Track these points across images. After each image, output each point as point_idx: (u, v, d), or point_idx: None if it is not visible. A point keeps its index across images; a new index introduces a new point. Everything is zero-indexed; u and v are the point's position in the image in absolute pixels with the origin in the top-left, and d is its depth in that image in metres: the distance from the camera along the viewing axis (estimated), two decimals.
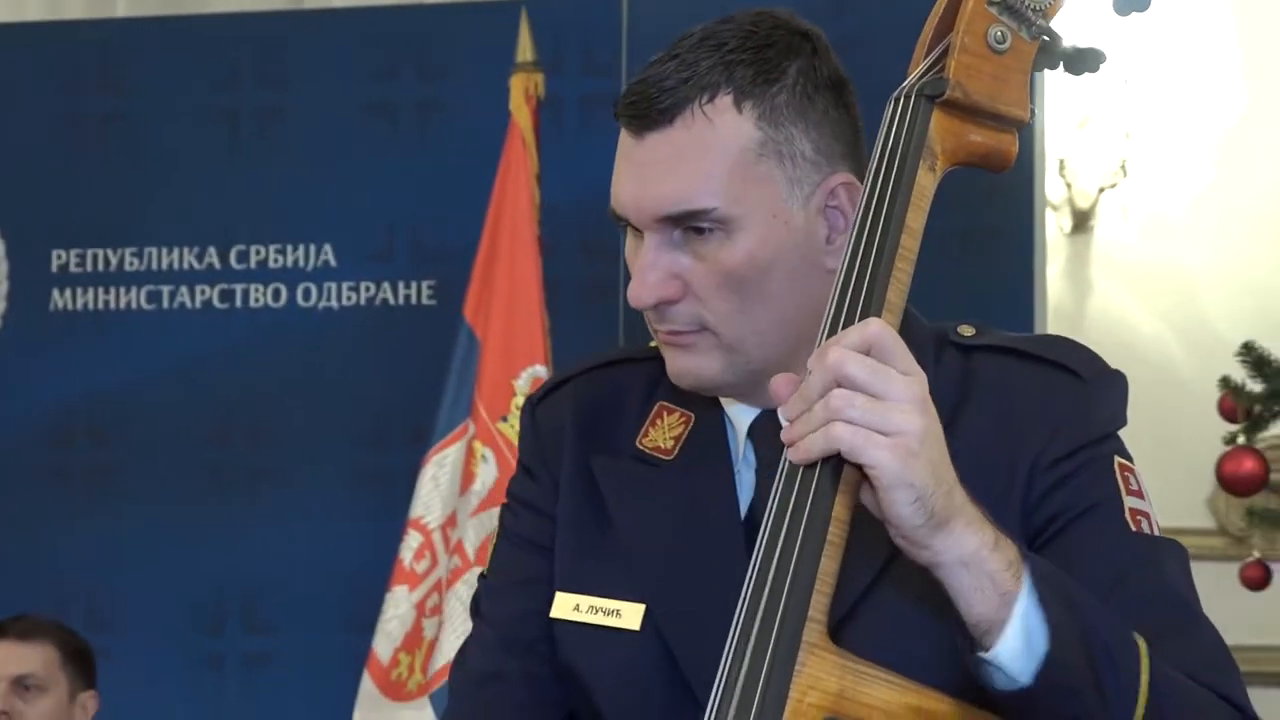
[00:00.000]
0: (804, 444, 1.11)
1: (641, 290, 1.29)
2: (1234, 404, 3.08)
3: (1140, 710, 1.17)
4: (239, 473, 3.58)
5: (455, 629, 2.96)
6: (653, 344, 1.43)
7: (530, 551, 1.43)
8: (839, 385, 1.09)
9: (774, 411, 1.21)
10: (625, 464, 1.41)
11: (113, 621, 3.48)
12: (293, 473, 3.55)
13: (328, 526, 3.48)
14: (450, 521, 3.08)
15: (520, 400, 2.90)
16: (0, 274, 3.63)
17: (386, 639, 3.11)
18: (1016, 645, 1.13)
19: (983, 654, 1.13)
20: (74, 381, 3.61)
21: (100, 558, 3.54)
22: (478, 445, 3.00)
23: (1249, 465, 2.98)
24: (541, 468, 1.44)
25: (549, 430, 1.45)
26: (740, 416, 1.38)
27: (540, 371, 3.02)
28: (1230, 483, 3.05)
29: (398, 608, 3.11)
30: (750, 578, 1.15)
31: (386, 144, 3.58)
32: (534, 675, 1.40)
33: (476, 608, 1.46)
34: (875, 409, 1.09)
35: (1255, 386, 3.06)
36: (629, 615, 1.38)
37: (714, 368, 1.32)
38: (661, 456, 1.40)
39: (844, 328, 1.17)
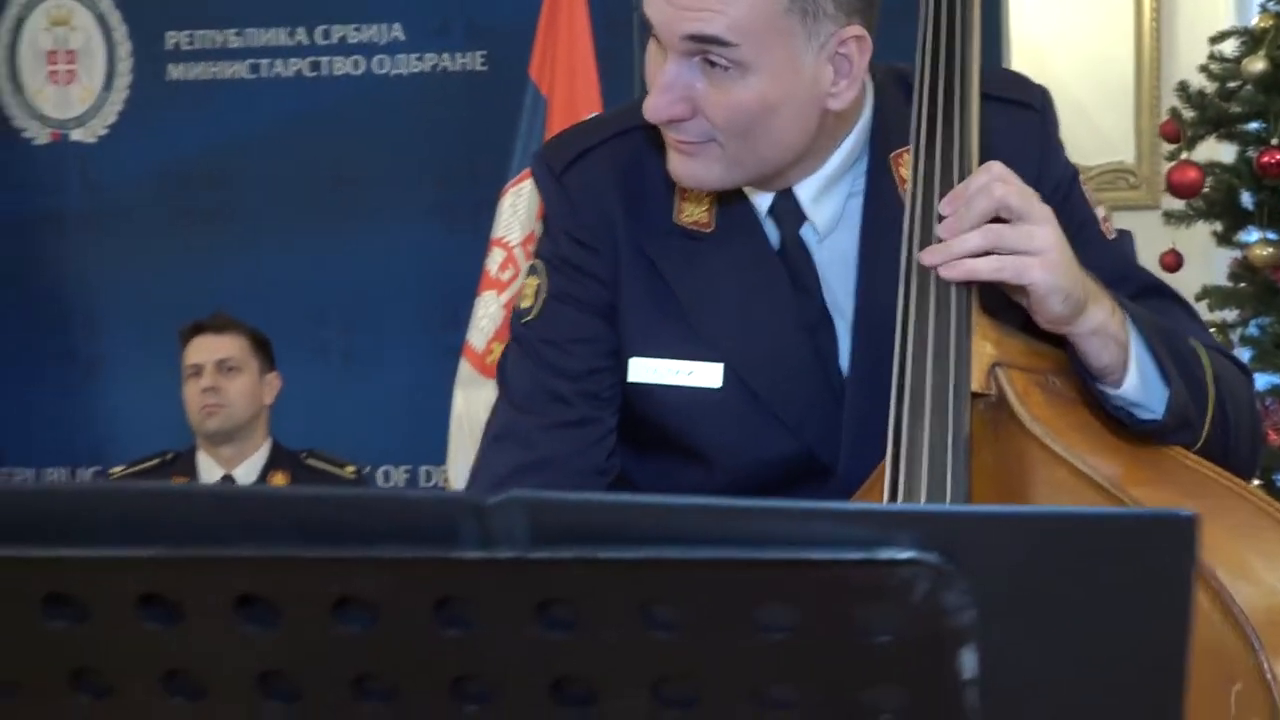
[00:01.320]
0: (965, 266, 1.26)
1: (657, 106, 1.33)
2: (1176, 128, 3.54)
3: (1211, 397, 1.34)
4: (331, 209, 3.98)
5: None
6: None
7: (587, 313, 1.46)
8: (996, 213, 1.24)
9: (788, 193, 1.40)
10: (673, 239, 1.45)
11: None
12: (376, 209, 3.95)
13: (419, 251, 3.94)
14: (528, 240, 3.49)
15: None
16: (125, 53, 4.02)
17: (479, 333, 3.55)
18: (1135, 380, 1.29)
19: (1114, 391, 1.29)
20: (191, 139, 4.03)
21: (217, 280, 3.93)
22: None
23: (1191, 174, 3.44)
24: (594, 238, 1.45)
25: (591, 201, 1.46)
26: (755, 197, 1.43)
27: None
28: (1178, 188, 3.48)
29: (488, 308, 3.55)
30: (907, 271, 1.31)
31: None
32: (591, 418, 1.46)
33: (532, 351, 1.49)
34: (1024, 234, 1.25)
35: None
36: (708, 374, 1.44)
37: (714, 174, 1.38)
38: (702, 230, 1.44)
39: (940, 153, 1.31)
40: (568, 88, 3.56)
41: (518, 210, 3.62)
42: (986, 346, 1.31)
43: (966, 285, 1.28)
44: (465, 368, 3.65)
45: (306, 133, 4.04)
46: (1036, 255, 1.23)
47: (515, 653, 0.69)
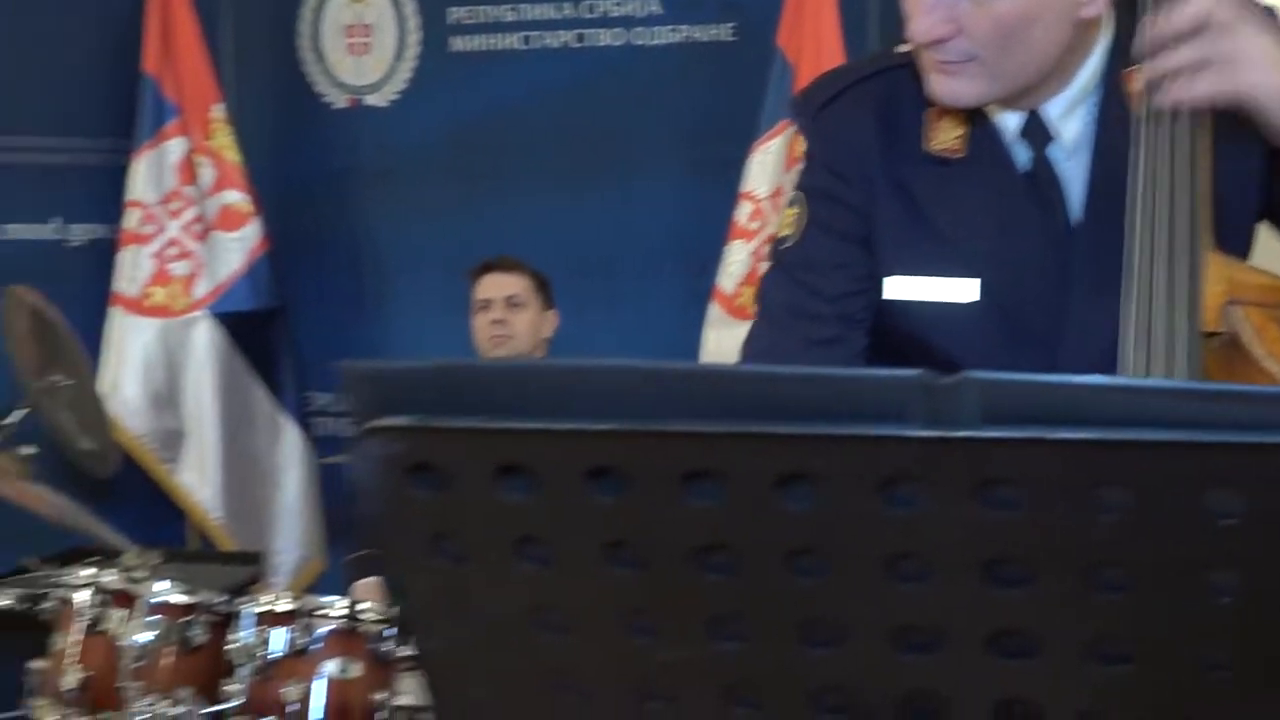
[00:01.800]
0: (1178, 89, 1.22)
1: (924, 27, 1.31)
2: None
3: None
4: (594, 168, 3.99)
5: None
6: (898, 49, 1.49)
7: (844, 240, 1.45)
8: (1204, 28, 1.19)
9: (1034, 114, 1.38)
10: (927, 166, 1.42)
11: None
12: (634, 168, 3.96)
13: (673, 206, 3.94)
14: (776, 193, 3.50)
15: None
16: (414, 27, 4.10)
17: (729, 278, 3.59)
18: None
19: None
20: (470, 104, 4.08)
21: (491, 231, 3.95)
22: (799, 138, 3.44)
23: None
24: (852, 170, 1.44)
25: (848, 137, 1.45)
26: (1003, 119, 1.41)
27: None
28: None
29: (736, 255, 3.59)
30: (1140, 203, 1.26)
31: None
32: (843, 337, 1.45)
33: (791, 275, 1.48)
34: (1233, 41, 1.19)
35: None
36: (965, 289, 1.41)
37: (974, 92, 1.36)
38: (954, 155, 1.41)
39: None
40: (814, 55, 3.52)
41: (766, 166, 3.63)
42: (1219, 285, 1.25)
43: (1190, 171, 1.23)
44: (716, 310, 3.69)
45: (573, 98, 4.07)
46: (1250, 60, 1.18)
47: (954, 532, 0.65)
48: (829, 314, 1.46)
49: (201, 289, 3.93)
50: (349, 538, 3.75)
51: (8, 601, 3.04)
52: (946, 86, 1.35)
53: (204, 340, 3.92)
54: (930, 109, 1.42)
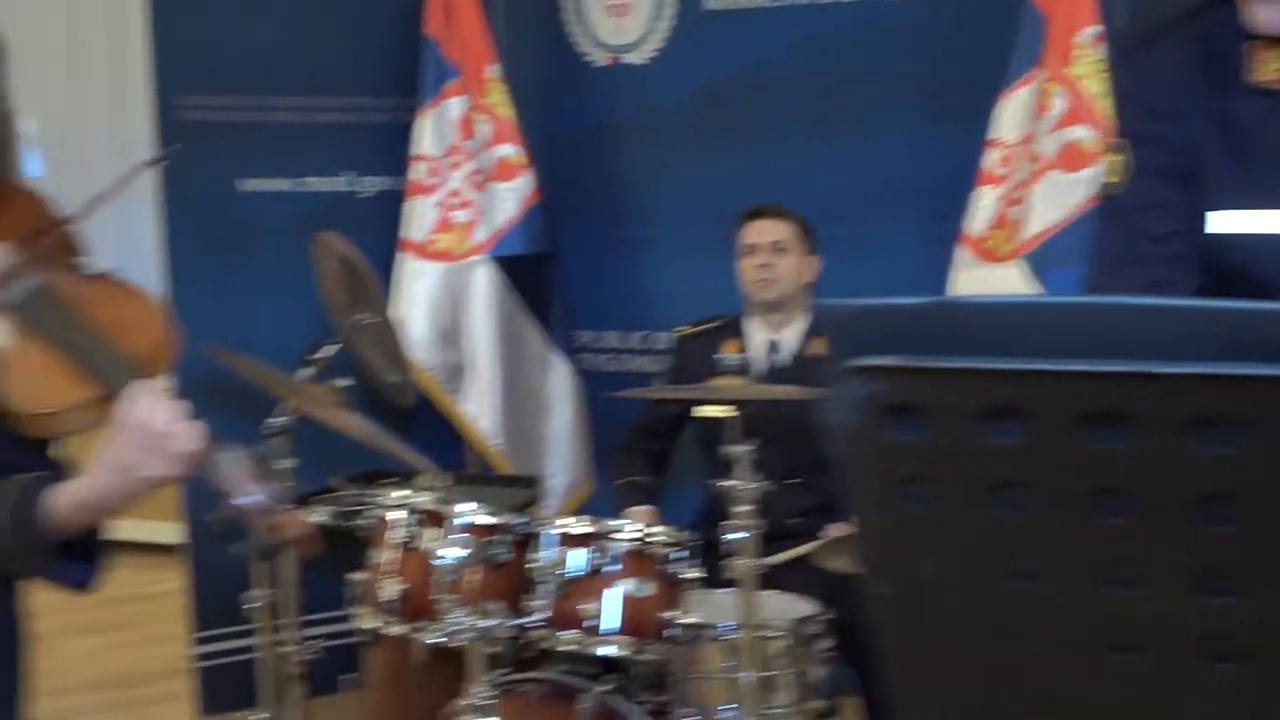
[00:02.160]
0: None
1: None
2: None
3: None
4: (840, 119, 3.88)
5: (1038, 215, 3.31)
6: None
7: (1168, 181, 1.41)
8: None
9: None
10: (1250, 98, 1.37)
11: None
12: (879, 119, 3.83)
13: (919, 154, 3.80)
14: (1026, 139, 3.37)
15: (1085, 53, 3.22)
16: None
17: (978, 221, 3.44)
18: None
19: None
20: (722, 62, 4.00)
21: (744, 180, 3.90)
22: (1050, 85, 3.30)
23: None
24: (1175, 108, 1.40)
25: (1169, 76, 1.41)
26: None
27: (1093, 31, 3.24)
28: None
29: (985, 200, 3.44)
30: None
31: None
32: (1173, 279, 1.39)
33: (1120, 220, 1.44)
34: None
35: None
36: None
37: None
38: (1276, 86, 1.36)
39: None
40: (1066, 6, 3.32)
41: (1015, 115, 3.47)
42: None
43: None
44: (963, 253, 3.55)
45: (819, 53, 3.95)
46: None
47: None
48: (1159, 255, 1.40)
49: (480, 235, 3.96)
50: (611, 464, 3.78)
51: (324, 518, 3.12)
52: (1268, 14, 1.28)
53: (483, 282, 3.96)
54: (1252, 41, 1.35)
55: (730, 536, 2.49)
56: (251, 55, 3.88)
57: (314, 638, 3.07)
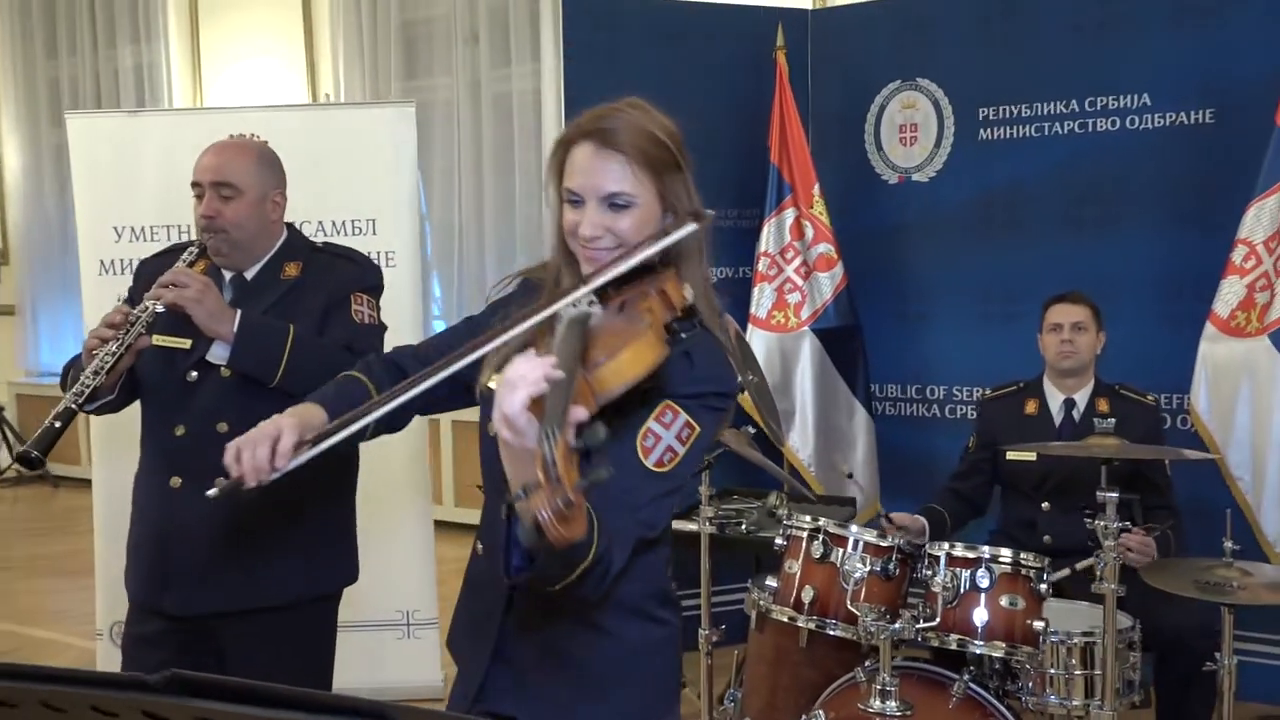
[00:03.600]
0: None
1: None
2: None
3: None
4: (1094, 224, 3.61)
5: None
6: None
7: None
8: None
9: None
10: None
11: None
12: (1131, 224, 3.55)
13: (1170, 251, 3.49)
14: (1271, 238, 3.08)
15: None
16: (950, 124, 3.81)
17: (1224, 305, 3.16)
18: None
19: None
20: (993, 179, 3.77)
21: (1011, 270, 3.73)
22: None
23: None
24: None
25: None
26: None
27: None
28: None
29: (1232, 288, 3.15)
30: None
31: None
32: None
33: None
34: None
35: None
36: None
37: None
38: None
39: None
40: None
41: (1261, 219, 3.17)
42: None
43: None
44: (1210, 329, 3.25)
45: (1075, 171, 3.70)
46: None
47: None
48: None
49: (805, 312, 3.84)
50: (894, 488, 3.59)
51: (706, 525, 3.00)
52: None
53: (807, 348, 3.83)
54: None
55: (1082, 564, 2.27)
56: None
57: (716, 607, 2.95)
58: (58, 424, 1.81)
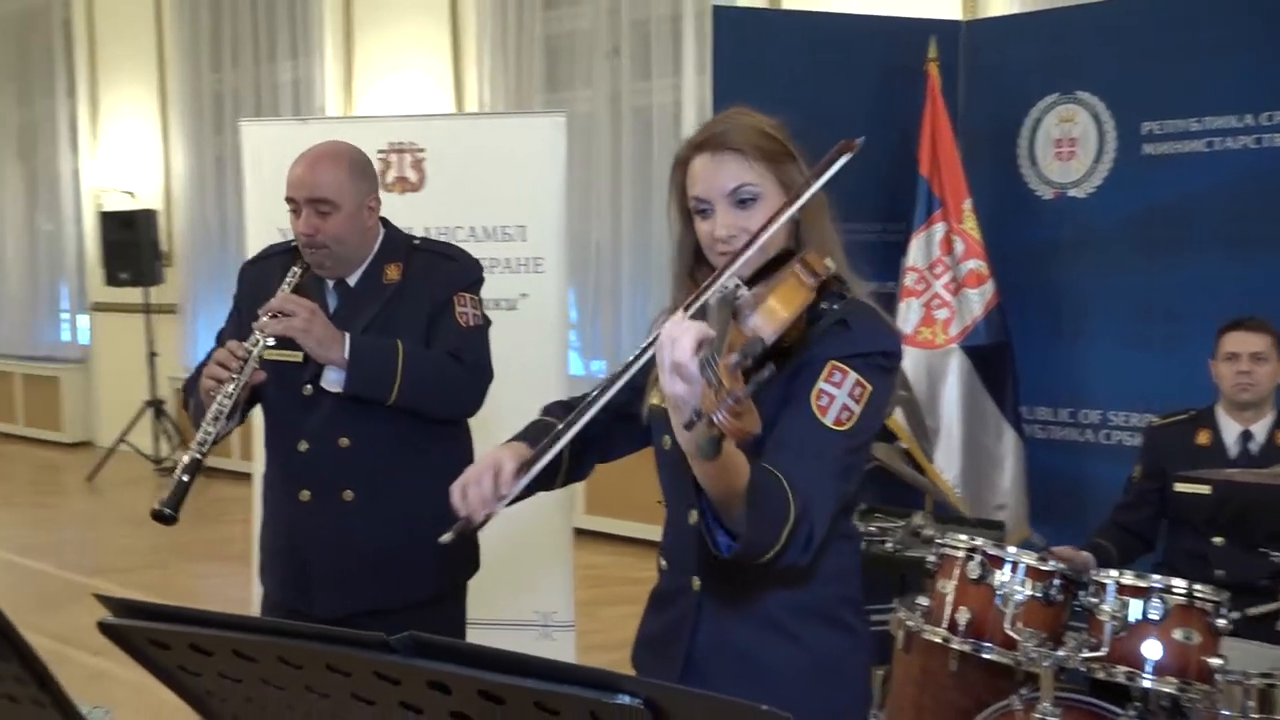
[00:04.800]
0: None
1: None
2: None
3: None
4: (1257, 240, 3.46)
5: None
6: None
7: None
8: None
9: None
10: None
11: None
12: None
13: None
14: None
15: None
16: (1111, 139, 3.67)
17: None
18: None
19: None
20: (1157, 194, 3.62)
21: (1169, 288, 3.58)
22: None
23: None
24: None
25: None
26: None
27: None
28: None
29: None
30: None
31: None
32: None
33: None
34: None
35: None
36: None
37: None
38: None
39: None
40: None
41: None
42: None
43: None
44: None
45: (1247, 187, 3.51)
46: None
47: None
48: None
49: (954, 329, 3.73)
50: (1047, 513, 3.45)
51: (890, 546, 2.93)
52: None
53: (955, 366, 3.71)
54: None
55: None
56: None
57: None
58: (186, 478, 1.85)
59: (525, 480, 1.37)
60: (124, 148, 8.51)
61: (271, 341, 1.96)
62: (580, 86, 6.14)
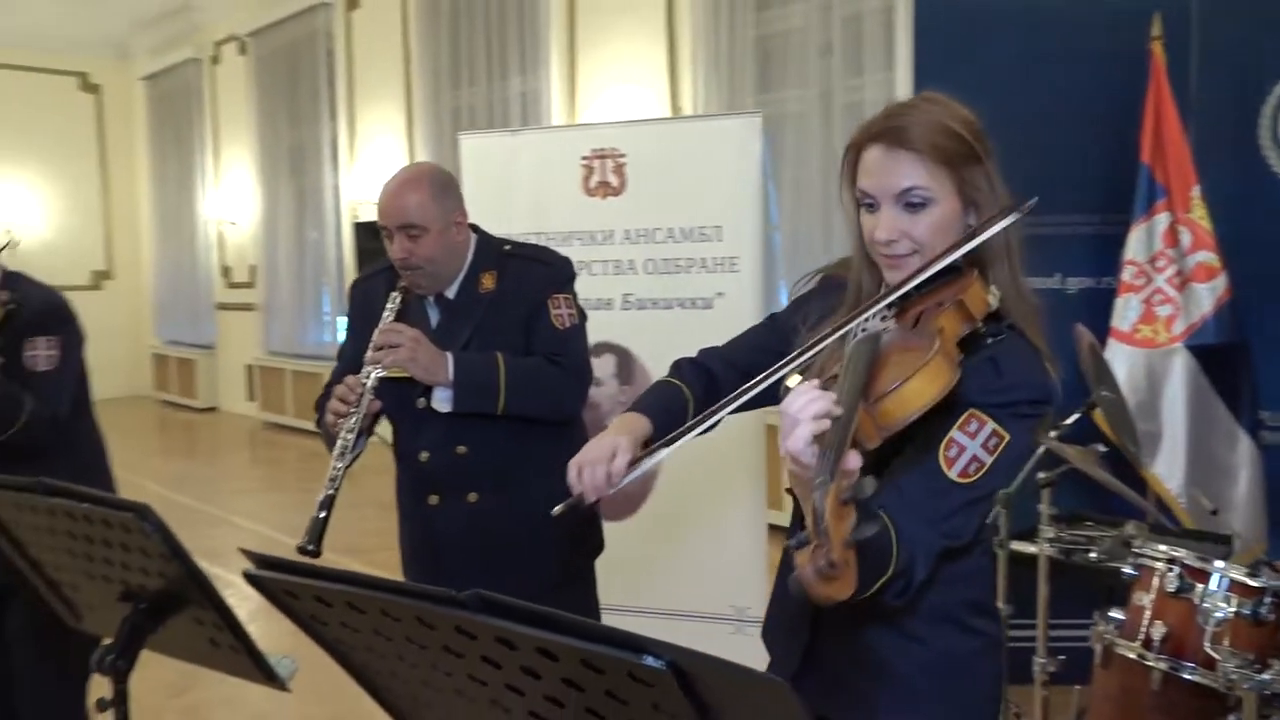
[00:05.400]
0: None
1: None
2: None
3: None
4: None
5: None
6: None
7: None
8: None
9: None
10: None
11: None
12: None
13: None
14: None
15: None
16: None
17: None
18: None
19: None
20: None
21: None
22: None
23: None
24: None
25: None
26: None
27: None
28: None
29: None
30: None
31: None
32: None
33: None
34: None
35: None
36: None
37: None
38: None
39: None
40: None
41: None
42: None
43: None
44: None
45: None
46: None
47: None
48: None
49: (1178, 327, 3.45)
50: None
51: (1047, 549, 2.79)
52: None
53: (1179, 366, 3.44)
54: None
55: None
56: None
57: (1054, 641, 2.75)
58: (323, 514, 1.97)
59: (636, 473, 1.38)
60: (375, 163, 9.25)
61: (382, 373, 2.08)
62: (792, 86, 6.12)
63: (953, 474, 1.22)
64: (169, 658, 1.56)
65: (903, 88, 5.46)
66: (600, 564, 3.79)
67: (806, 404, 1.07)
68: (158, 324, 12.96)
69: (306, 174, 10.35)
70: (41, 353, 2.43)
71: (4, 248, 2.55)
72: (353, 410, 2.03)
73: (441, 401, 2.15)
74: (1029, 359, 1.30)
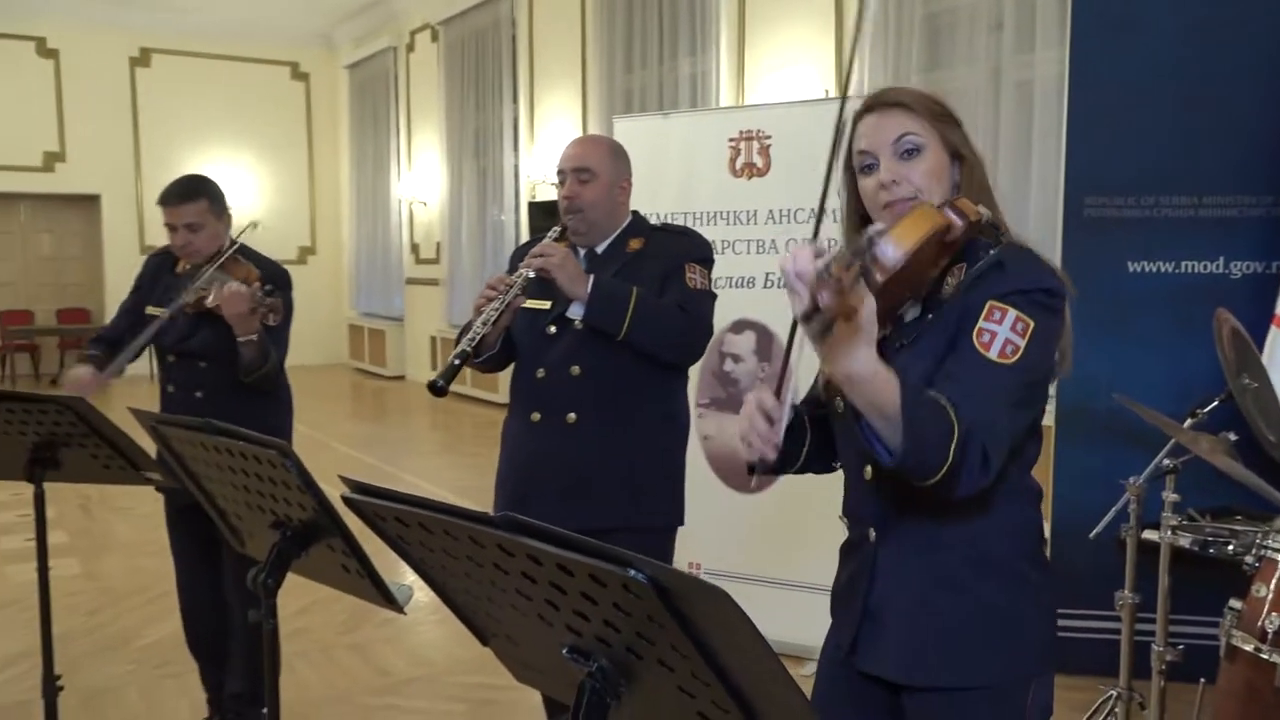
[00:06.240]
0: None
1: None
2: None
3: None
4: None
5: None
6: None
7: None
8: None
9: None
10: None
11: None
12: None
13: None
14: None
15: None
16: None
17: None
18: None
19: None
20: None
21: None
22: None
23: None
24: None
25: None
26: None
27: None
28: None
29: None
30: None
31: None
32: None
33: None
34: None
35: None
36: None
37: None
38: None
39: None
40: None
41: None
42: None
43: None
44: None
45: None
46: None
47: None
48: None
49: None
50: None
51: (1185, 542, 2.72)
52: None
53: None
54: None
55: None
56: (1148, 162, 3.54)
57: (1177, 635, 2.69)
58: (456, 361, 2.19)
59: (787, 406, 1.35)
60: (552, 145, 9.62)
61: (533, 274, 2.27)
62: (960, 64, 6.00)
63: (992, 355, 1.29)
64: (338, 593, 1.76)
65: None
66: (722, 534, 3.90)
67: (799, 254, 1.13)
68: (354, 297, 13.90)
69: (489, 155, 10.85)
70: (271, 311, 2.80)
71: (248, 229, 2.93)
72: (502, 295, 2.23)
73: (574, 312, 2.32)
74: (1032, 258, 1.39)
